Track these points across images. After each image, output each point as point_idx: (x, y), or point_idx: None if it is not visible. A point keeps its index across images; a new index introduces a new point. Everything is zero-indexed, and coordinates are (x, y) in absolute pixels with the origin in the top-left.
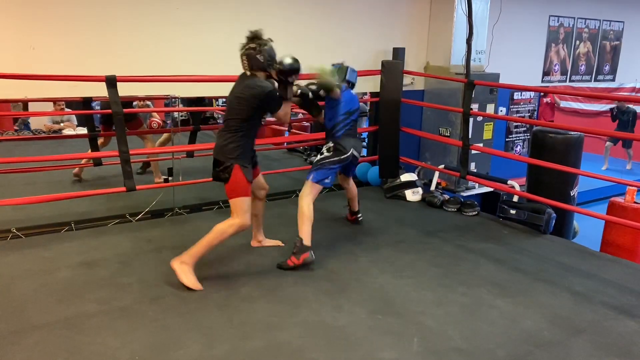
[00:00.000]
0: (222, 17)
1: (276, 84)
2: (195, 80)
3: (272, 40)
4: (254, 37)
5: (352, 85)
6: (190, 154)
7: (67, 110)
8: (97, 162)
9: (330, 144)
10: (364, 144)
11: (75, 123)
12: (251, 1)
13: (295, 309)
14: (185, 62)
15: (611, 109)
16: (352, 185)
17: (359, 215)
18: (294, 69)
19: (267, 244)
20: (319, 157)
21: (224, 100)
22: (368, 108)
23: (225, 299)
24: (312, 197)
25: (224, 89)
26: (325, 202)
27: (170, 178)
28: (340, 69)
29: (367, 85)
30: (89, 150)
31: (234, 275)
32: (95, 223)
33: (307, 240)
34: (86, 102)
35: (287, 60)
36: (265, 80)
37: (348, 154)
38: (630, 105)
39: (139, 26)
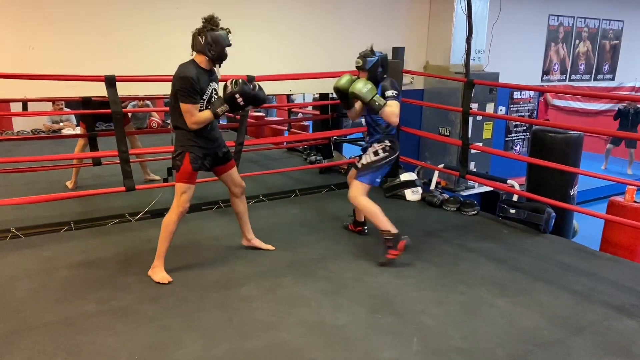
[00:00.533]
0: (223, 17)
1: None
2: None
3: (229, 32)
4: (206, 20)
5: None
6: None
7: (66, 109)
8: (96, 162)
9: (387, 143)
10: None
11: (75, 123)
12: (251, 1)
13: (295, 309)
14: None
15: (619, 109)
16: None
17: (365, 227)
18: (236, 96)
19: (256, 243)
20: (374, 157)
21: None
22: None
23: (224, 299)
24: (366, 194)
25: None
26: (323, 201)
27: (169, 178)
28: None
29: None
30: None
31: (233, 275)
32: (95, 223)
33: (392, 229)
34: (85, 102)
35: (239, 85)
36: (199, 67)
37: (398, 152)
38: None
39: (138, 25)
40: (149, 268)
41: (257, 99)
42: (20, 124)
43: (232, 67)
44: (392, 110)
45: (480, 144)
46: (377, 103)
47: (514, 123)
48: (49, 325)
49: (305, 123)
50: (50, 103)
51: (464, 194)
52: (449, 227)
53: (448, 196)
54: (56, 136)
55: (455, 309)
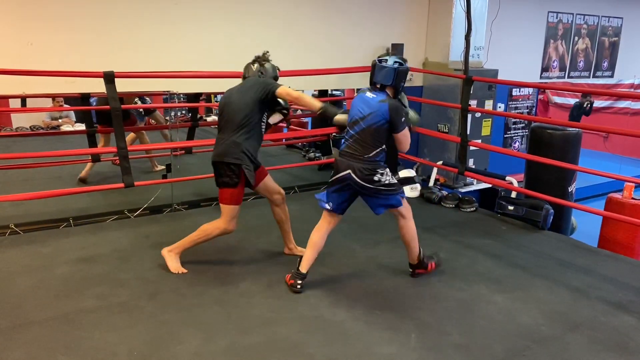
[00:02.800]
0: (221, 13)
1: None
2: (194, 76)
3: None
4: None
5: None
6: (188, 150)
7: (65, 106)
8: (95, 159)
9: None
10: None
11: (74, 119)
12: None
13: (294, 304)
14: (184, 58)
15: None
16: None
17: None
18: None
19: (298, 252)
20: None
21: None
22: None
23: (223, 295)
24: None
25: (223, 85)
26: None
27: (168, 174)
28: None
29: (366, 82)
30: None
31: (232, 271)
32: (94, 219)
33: (421, 252)
34: (84, 98)
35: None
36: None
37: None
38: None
39: (137, 22)
40: (148, 264)
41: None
42: (19, 121)
43: (231, 65)
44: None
45: (479, 141)
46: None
47: (513, 120)
48: (48, 321)
49: (304, 120)
50: (50, 99)
51: (463, 190)
52: (448, 224)
53: (447, 193)
54: (55, 132)
55: (453, 305)
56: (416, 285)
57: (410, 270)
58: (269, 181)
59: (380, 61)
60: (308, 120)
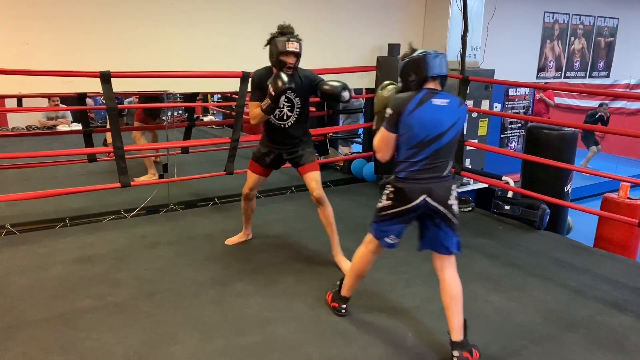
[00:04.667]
0: (218, 13)
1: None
2: (191, 76)
3: (292, 39)
4: (278, 27)
5: None
6: (185, 150)
7: (62, 105)
8: (92, 159)
9: (390, 187)
10: (360, 139)
11: (70, 119)
12: (247, 2)
13: (290, 304)
14: (181, 57)
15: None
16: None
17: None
18: (269, 86)
19: (337, 261)
20: (379, 202)
21: (219, 96)
22: (363, 104)
23: (220, 295)
24: (368, 246)
25: (221, 85)
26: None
27: (164, 174)
28: None
29: (363, 82)
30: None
31: (228, 271)
32: (90, 219)
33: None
34: (81, 98)
35: (279, 78)
36: (271, 70)
37: (408, 207)
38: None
39: (134, 21)
40: (145, 264)
41: (284, 90)
42: (15, 120)
43: (229, 65)
44: (374, 141)
45: (476, 141)
46: (374, 125)
47: (510, 120)
48: (44, 321)
49: None
50: (46, 99)
51: (459, 190)
52: None
53: None
54: (51, 132)
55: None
56: (413, 285)
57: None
58: (308, 179)
59: (429, 53)
60: None
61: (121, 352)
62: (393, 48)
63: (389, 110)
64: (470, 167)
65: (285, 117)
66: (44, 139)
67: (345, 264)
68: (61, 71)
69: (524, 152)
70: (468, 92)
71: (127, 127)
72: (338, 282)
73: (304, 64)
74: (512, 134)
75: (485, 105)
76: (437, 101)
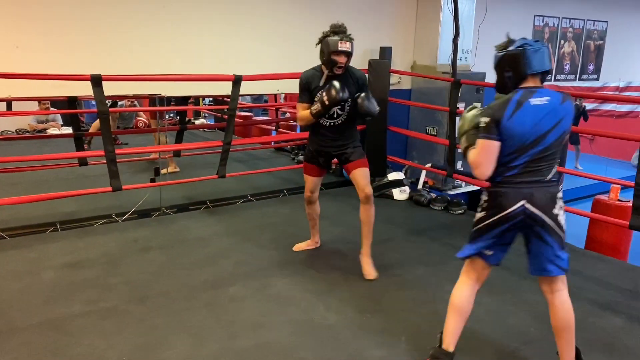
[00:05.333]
0: (210, 16)
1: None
2: (183, 79)
3: (345, 38)
4: (330, 26)
5: None
6: (177, 154)
7: (52, 109)
8: (82, 162)
9: (484, 197)
10: None
11: (61, 122)
12: (237, 2)
13: (284, 308)
14: (173, 60)
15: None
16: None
17: None
18: (322, 95)
19: (363, 263)
20: (475, 215)
21: (210, 99)
22: None
23: (213, 299)
24: (469, 271)
25: (213, 88)
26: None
27: (156, 178)
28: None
29: None
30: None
31: (221, 275)
32: (81, 223)
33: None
34: (71, 101)
35: (334, 87)
36: (320, 69)
37: (503, 214)
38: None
39: (125, 24)
40: (137, 268)
41: (340, 100)
42: (5, 124)
43: (221, 67)
44: (470, 157)
45: None
46: (461, 149)
47: None
48: (35, 326)
49: (293, 123)
50: (36, 102)
51: (452, 193)
52: (437, 226)
53: (435, 195)
54: (41, 136)
55: (443, 308)
56: (406, 288)
57: None
58: (356, 175)
59: (529, 47)
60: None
61: (113, 357)
62: (385, 51)
63: (484, 119)
64: (462, 169)
65: (335, 116)
66: (34, 142)
67: (368, 268)
68: (52, 74)
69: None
70: (460, 95)
71: (117, 130)
72: (439, 336)
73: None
74: None
75: None
76: (535, 101)
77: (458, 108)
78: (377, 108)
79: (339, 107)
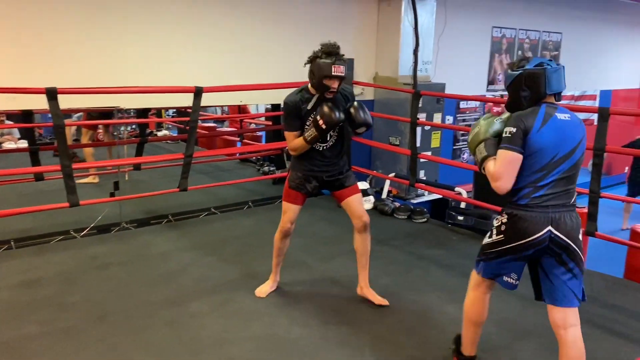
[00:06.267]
0: (168, 28)
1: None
2: (142, 92)
3: (338, 60)
4: (321, 46)
5: None
6: (137, 167)
7: (7, 122)
8: (39, 177)
9: (503, 219)
10: None
11: (18, 136)
12: (198, 13)
13: (247, 323)
14: (132, 72)
15: None
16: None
17: None
18: (318, 119)
19: (368, 295)
20: (487, 238)
21: (174, 111)
22: None
23: (174, 316)
24: (477, 288)
25: (174, 100)
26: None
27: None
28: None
29: None
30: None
31: (183, 291)
32: (37, 240)
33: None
34: (26, 115)
35: (329, 109)
36: (309, 92)
37: (525, 241)
38: None
39: (82, 36)
40: (95, 286)
41: (338, 123)
42: None
43: (179, 79)
44: (489, 168)
45: (429, 153)
46: (476, 158)
47: (462, 132)
48: None
49: (258, 133)
50: None
51: (415, 201)
52: (401, 235)
53: (399, 204)
54: None
55: (407, 317)
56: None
57: None
58: (352, 202)
59: (549, 67)
60: (262, 134)
61: None
62: (347, 63)
63: (510, 129)
64: (424, 178)
65: (328, 137)
66: None
67: (377, 296)
68: (5, 88)
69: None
70: (421, 105)
71: (76, 144)
72: (453, 344)
73: (260, 78)
74: (464, 145)
75: (437, 118)
76: (561, 115)
77: (419, 119)
78: (367, 127)
79: None
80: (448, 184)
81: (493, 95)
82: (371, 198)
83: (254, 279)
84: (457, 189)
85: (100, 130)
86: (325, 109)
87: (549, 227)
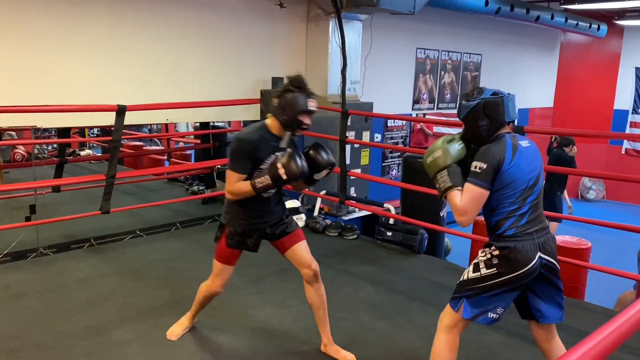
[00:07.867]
0: (92, 44)
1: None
2: (60, 110)
3: (310, 95)
4: (289, 80)
5: None
6: (56, 189)
7: None
8: None
9: (494, 252)
10: None
11: None
12: (125, 30)
13: (173, 350)
14: (51, 90)
15: None
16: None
17: None
18: (278, 166)
19: (332, 352)
20: (472, 273)
21: (98, 129)
22: None
23: (95, 346)
24: (452, 329)
25: (96, 119)
26: (206, 233)
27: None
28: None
29: (247, 114)
30: None
31: (105, 319)
32: None
33: None
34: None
35: (293, 160)
36: (268, 130)
37: (519, 273)
38: None
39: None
40: (7, 318)
41: (303, 174)
42: None
43: (102, 97)
44: (454, 201)
45: (359, 170)
46: (439, 185)
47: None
48: None
49: (188, 152)
50: None
51: (346, 218)
52: (332, 253)
53: (330, 222)
54: None
55: (337, 336)
56: (301, 319)
57: None
58: (298, 250)
59: (506, 95)
60: (191, 152)
61: None
62: (276, 82)
63: (480, 165)
64: (355, 195)
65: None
66: None
67: (345, 354)
68: None
69: (402, 180)
70: (349, 124)
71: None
72: None
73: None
74: (393, 162)
75: (366, 136)
76: (523, 143)
77: (347, 137)
78: (329, 168)
79: None
80: (378, 200)
81: (417, 114)
82: (303, 216)
83: (181, 304)
84: (385, 205)
85: (19, 150)
86: (288, 158)
87: (539, 253)
